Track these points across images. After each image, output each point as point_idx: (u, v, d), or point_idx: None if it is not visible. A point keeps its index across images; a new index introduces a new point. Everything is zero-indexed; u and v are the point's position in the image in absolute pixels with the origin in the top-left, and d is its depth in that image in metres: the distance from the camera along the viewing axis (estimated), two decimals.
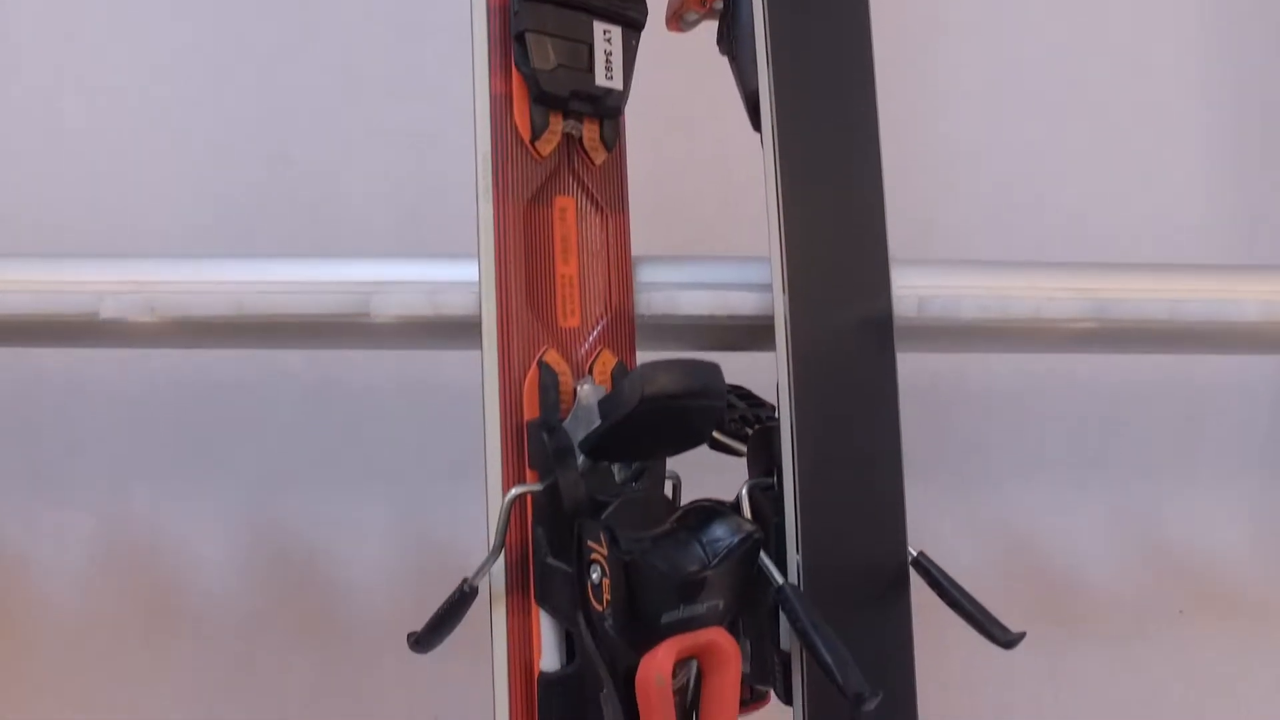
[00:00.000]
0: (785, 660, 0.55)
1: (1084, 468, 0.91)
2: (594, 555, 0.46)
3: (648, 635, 0.46)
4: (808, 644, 0.48)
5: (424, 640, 0.50)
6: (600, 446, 0.48)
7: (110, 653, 0.86)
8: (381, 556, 0.90)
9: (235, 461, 0.87)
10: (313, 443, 0.88)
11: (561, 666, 0.50)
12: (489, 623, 0.53)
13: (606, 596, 0.46)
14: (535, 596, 0.51)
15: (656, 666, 0.44)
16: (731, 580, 0.48)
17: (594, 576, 0.46)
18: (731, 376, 0.56)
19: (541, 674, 0.50)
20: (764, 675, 0.56)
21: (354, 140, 0.86)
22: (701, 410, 0.48)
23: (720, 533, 0.48)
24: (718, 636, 0.47)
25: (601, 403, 0.48)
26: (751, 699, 0.58)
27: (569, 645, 0.51)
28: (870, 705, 0.45)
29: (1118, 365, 0.92)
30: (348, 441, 0.88)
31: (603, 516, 0.47)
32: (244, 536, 0.87)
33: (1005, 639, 0.53)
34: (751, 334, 0.58)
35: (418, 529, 0.90)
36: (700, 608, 0.47)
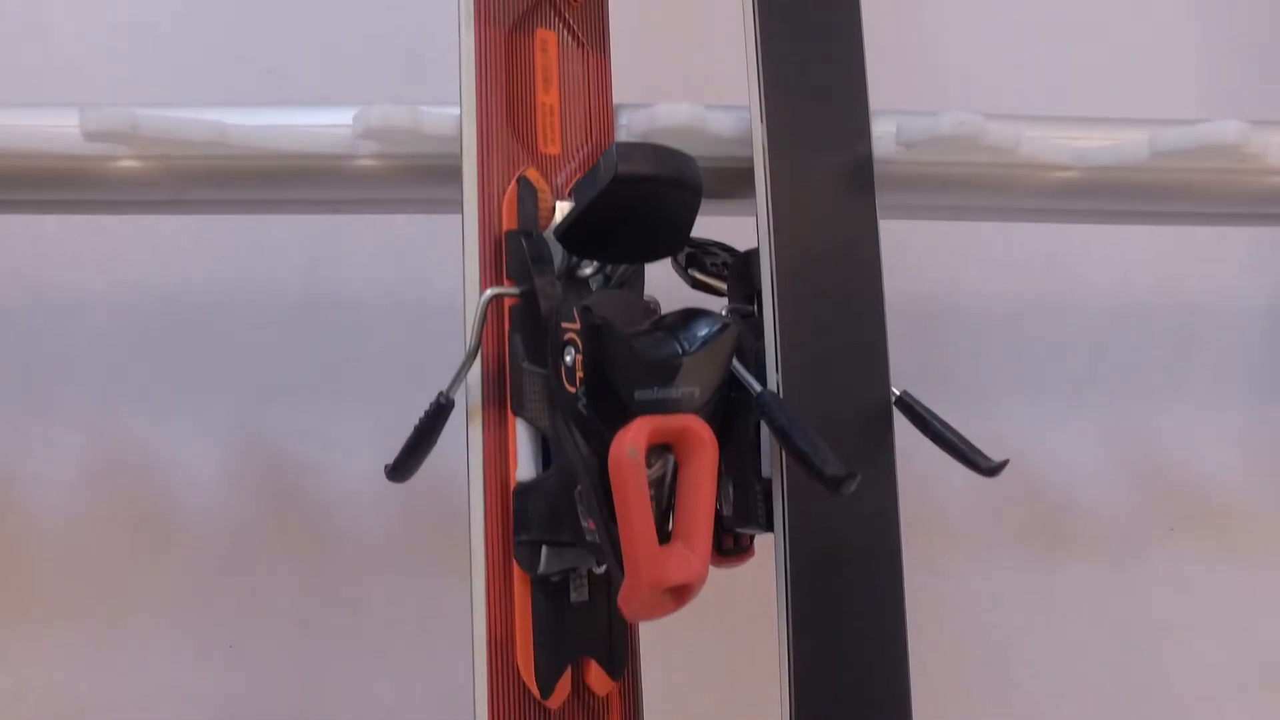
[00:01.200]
0: (766, 489, 0.55)
1: (1075, 389, 0.91)
2: (568, 335, 0.46)
3: (622, 414, 0.46)
4: (786, 442, 0.48)
5: (400, 466, 0.50)
6: (574, 232, 0.48)
7: (99, 565, 0.85)
8: (371, 471, 0.89)
9: (225, 377, 0.87)
10: (303, 358, 0.88)
11: (538, 475, 0.49)
12: (465, 441, 0.52)
13: (580, 375, 0.45)
14: (511, 406, 0.51)
15: (629, 440, 0.44)
16: (708, 370, 0.48)
17: (567, 359, 0.46)
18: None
19: (517, 484, 0.49)
20: (746, 514, 0.55)
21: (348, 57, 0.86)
22: (678, 200, 0.48)
23: (698, 328, 0.48)
24: (693, 423, 0.47)
25: (575, 187, 0.48)
26: (735, 549, 0.57)
27: (545, 456, 0.51)
28: (850, 487, 0.45)
29: (1109, 287, 0.91)
30: (338, 357, 0.88)
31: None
32: (233, 451, 0.87)
33: (988, 466, 0.53)
34: (735, 178, 0.58)
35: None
36: (675, 392, 0.47)
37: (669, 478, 0.47)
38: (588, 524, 0.45)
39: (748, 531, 0.55)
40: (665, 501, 0.46)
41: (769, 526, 0.53)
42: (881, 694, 0.54)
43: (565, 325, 0.46)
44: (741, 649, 0.85)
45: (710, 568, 0.48)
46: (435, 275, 0.89)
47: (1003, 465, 0.52)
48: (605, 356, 0.46)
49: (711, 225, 0.60)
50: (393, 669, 0.87)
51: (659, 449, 0.46)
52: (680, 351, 0.47)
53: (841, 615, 0.53)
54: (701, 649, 0.85)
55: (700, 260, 0.58)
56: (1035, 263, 0.93)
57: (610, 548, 0.43)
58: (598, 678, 0.49)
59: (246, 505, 0.88)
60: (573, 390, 0.46)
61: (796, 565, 0.52)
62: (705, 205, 0.50)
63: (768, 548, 0.56)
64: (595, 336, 0.45)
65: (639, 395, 0.46)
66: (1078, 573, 0.90)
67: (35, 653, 0.82)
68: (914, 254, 0.88)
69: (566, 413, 0.46)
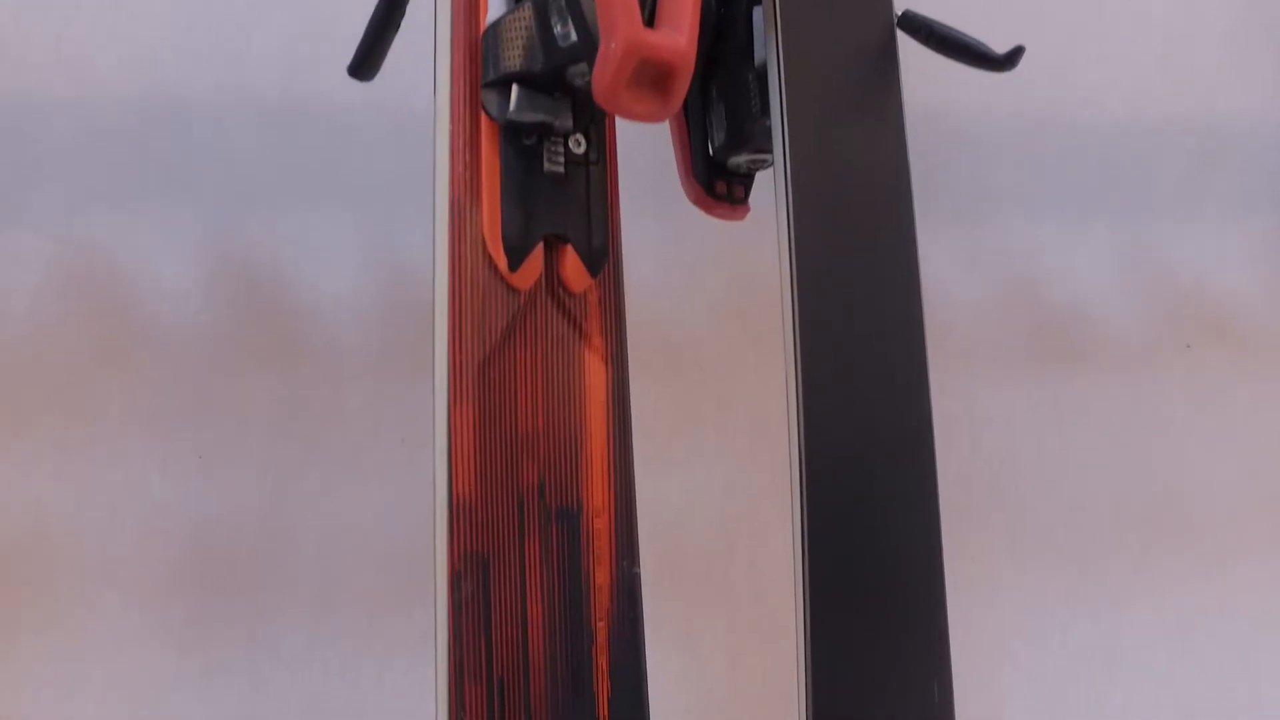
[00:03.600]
0: (760, 74, 0.51)
1: (1088, 206, 0.88)
2: None
3: None
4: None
5: (362, 60, 0.45)
6: None
7: (65, 376, 0.81)
8: (350, 280, 0.86)
9: (200, 184, 0.84)
10: (280, 165, 0.84)
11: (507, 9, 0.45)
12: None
13: None
14: None
15: None
16: None
17: None
18: None
19: (487, 25, 0.45)
20: (740, 138, 0.52)
21: None
22: None
23: None
24: None
25: None
26: (728, 196, 0.53)
27: None
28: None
29: (1121, 105, 0.88)
30: (317, 164, 0.85)
31: None
32: (206, 259, 0.84)
33: (1002, 58, 0.48)
34: None
35: (388, 253, 0.86)
36: None
37: None
38: (562, 30, 0.40)
39: (742, 159, 0.50)
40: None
41: (766, 145, 0.49)
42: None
43: None
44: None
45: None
46: (420, 80, 0.85)
47: (1018, 54, 0.47)
48: None
49: None
50: (368, 479, 0.82)
51: None
52: None
53: None
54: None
55: None
56: (1044, 82, 0.89)
57: (586, 34, 0.38)
58: (574, 270, 0.45)
59: (219, 314, 0.84)
60: None
61: None
62: None
63: None
64: None
65: None
66: (1090, 391, 0.86)
67: None
68: (920, 72, 0.84)
69: None
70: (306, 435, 0.84)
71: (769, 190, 0.55)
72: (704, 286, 0.85)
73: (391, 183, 0.86)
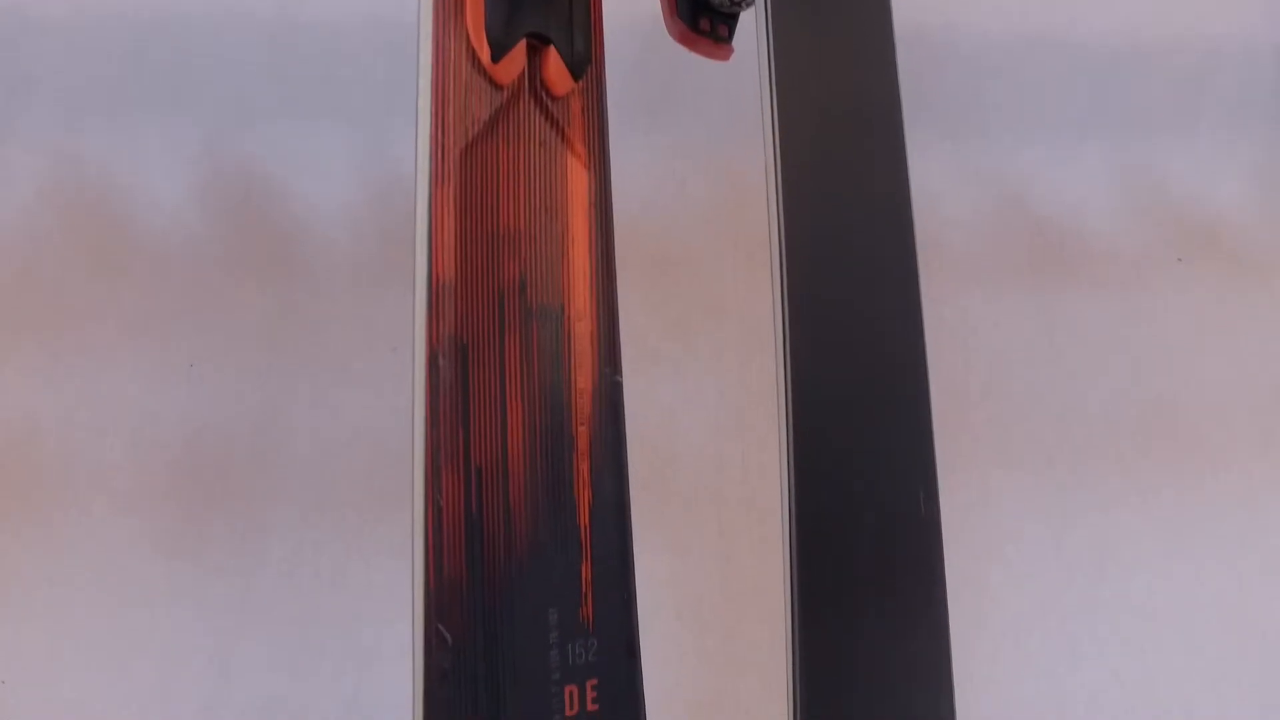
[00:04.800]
0: None
1: (1079, 126, 0.89)
2: None
3: None
4: None
5: None
6: None
7: (56, 287, 0.81)
8: (345, 194, 0.87)
9: (195, 100, 0.84)
10: (276, 81, 0.85)
11: None
12: None
13: None
14: None
15: None
16: None
17: None
18: None
19: None
20: None
21: None
22: None
23: None
24: None
25: None
26: (711, 33, 0.53)
27: None
28: None
29: (1116, 23, 0.88)
30: (313, 80, 0.85)
31: None
32: (199, 172, 0.84)
33: None
34: None
35: (380, 165, 0.87)
36: None
37: None
38: None
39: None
40: None
41: None
42: None
43: None
44: None
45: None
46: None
47: None
48: None
49: None
50: (358, 388, 0.82)
51: None
52: None
53: None
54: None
55: None
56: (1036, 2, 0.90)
57: None
58: (556, 71, 0.45)
59: (211, 226, 0.84)
60: None
61: None
62: None
63: None
64: None
65: None
66: (1082, 302, 0.86)
67: None
68: None
69: None
70: (298, 344, 0.84)
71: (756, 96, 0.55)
72: (694, 199, 0.85)
73: (384, 96, 0.86)
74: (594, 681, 0.45)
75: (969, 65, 0.88)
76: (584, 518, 0.45)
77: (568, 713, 0.44)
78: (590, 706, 0.45)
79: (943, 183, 0.88)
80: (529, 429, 0.43)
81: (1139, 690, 0.77)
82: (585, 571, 0.44)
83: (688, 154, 0.85)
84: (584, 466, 0.45)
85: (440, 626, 0.40)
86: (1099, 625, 0.77)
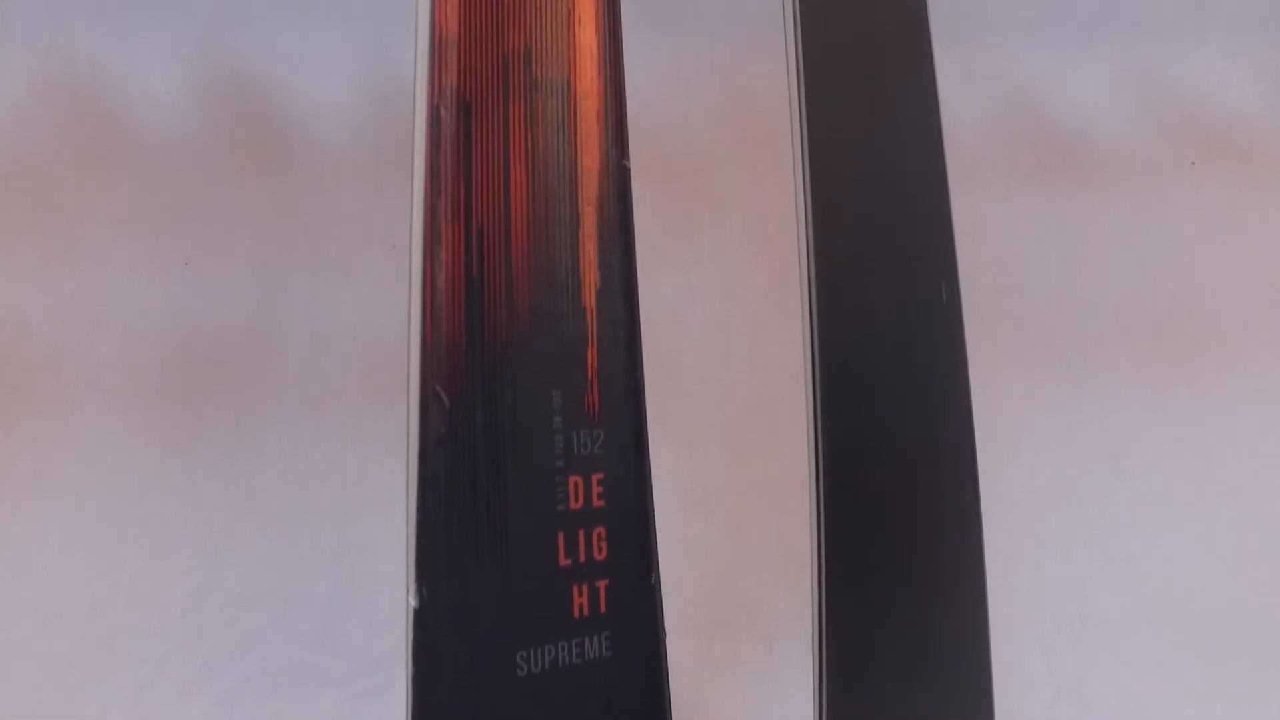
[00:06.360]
0: None
1: (1090, 27, 0.87)
2: None
3: None
4: None
5: None
6: None
7: (49, 184, 0.80)
8: (343, 91, 0.85)
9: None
10: None
11: None
12: None
13: None
14: None
15: None
16: None
17: None
18: None
19: None
20: None
21: None
22: None
23: None
24: None
25: None
26: None
27: None
28: None
29: None
30: None
31: None
32: (196, 69, 0.83)
33: None
34: None
35: (380, 66, 0.86)
36: None
37: None
38: None
39: None
40: None
41: None
42: None
43: None
44: None
45: None
46: None
47: None
48: None
49: None
50: (356, 284, 0.81)
51: None
52: None
53: None
54: None
55: None
56: None
57: None
58: None
59: (207, 122, 0.83)
60: None
61: None
62: None
63: None
64: None
65: None
66: (1094, 204, 0.84)
67: None
68: None
69: None
70: (295, 241, 0.83)
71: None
72: (701, 98, 0.84)
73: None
74: (599, 476, 0.43)
75: None
76: (590, 300, 0.43)
77: (572, 505, 0.42)
78: (596, 503, 0.42)
79: (949, 85, 0.86)
80: (533, 197, 0.41)
81: (1155, 575, 0.75)
82: (591, 357, 0.43)
83: (693, 55, 0.83)
84: (590, 248, 0.43)
85: (437, 388, 0.38)
86: (1115, 514, 0.75)
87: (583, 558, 0.42)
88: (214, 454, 0.75)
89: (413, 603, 0.38)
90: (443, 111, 0.39)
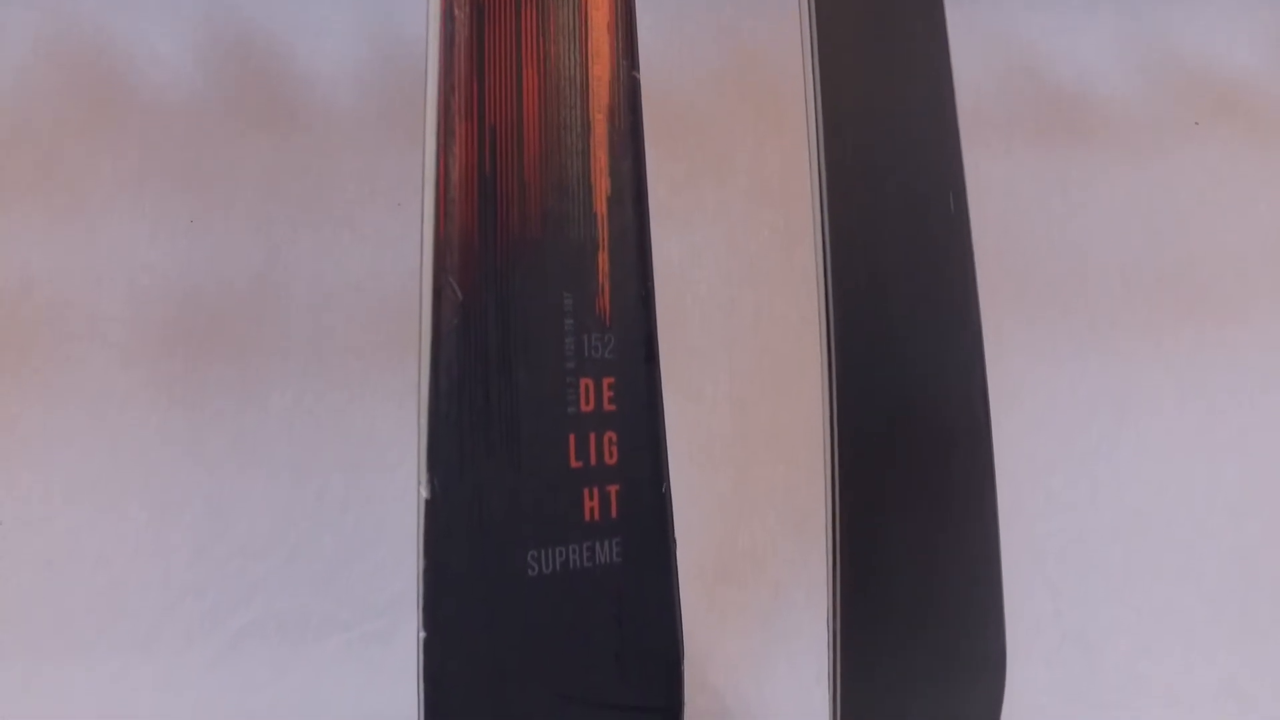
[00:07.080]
0: None
1: None
2: None
3: None
4: None
5: None
6: None
7: (53, 143, 0.80)
8: (347, 51, 0.86)
9: None
10: None
11: None
12: None
13: None
14: None
15: None
16: None
17: None
18: None
19: None
20: None
21: None
22: None
23: None
24: None
25: None
26: None
27: None
28: None
29: None
30: None
31: None
32: (200, 28, 0.83)
33: None
34: None
35: (386, 27, 0.86)
36: None
37: None
38: None
39: None
40: None
41: None
42: None
43: None
44: None
45: None
46: None
47: None
48: None
49: None
50: (362, 240, 0.81)
51: None
52: None
53: None
54: None
55: None
56: None
57: None
58: None
59: (212, 81, 0.83)
60: None
61: None
62: None
63: None
64: None
65: None
66: (1097, 164, 0.85)
67: None
68: None
69: None
70: (300, 199, 0.83)
71: None
72: (705, 59, 0.84)
73: None
74: (610, 380, 0.43)
75: None
76: (601, 206, 0.43)
77: (583, 407, 0.42)
78: (608, 406, 0.42)
79: (954, 46, 0.86)
80: (545, 101, 0.42)
81: (1161, 526, 0.75)
82: (602, 261, 0.43)
83: (696, 16, 0.84)
84: (601, 154, 0.43)
85: (450, 279, 0.38)
86: (1119, 465, 0.75)
87: (594, 460, 0.42)
88: (219, 408, 0.75)
89: (424, 493, 0.37)
90: (456, 10, 0.39)
